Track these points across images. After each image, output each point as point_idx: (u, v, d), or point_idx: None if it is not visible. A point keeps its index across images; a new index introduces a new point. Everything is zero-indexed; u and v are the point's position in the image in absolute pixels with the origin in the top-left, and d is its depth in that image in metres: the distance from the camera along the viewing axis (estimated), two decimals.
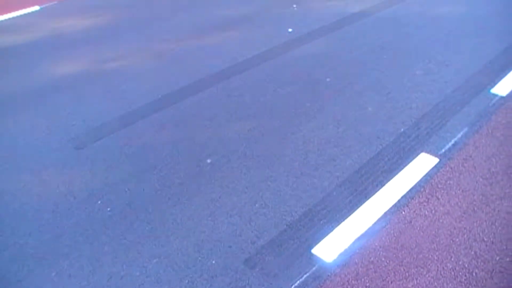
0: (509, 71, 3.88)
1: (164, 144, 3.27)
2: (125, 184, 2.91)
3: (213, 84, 4.02)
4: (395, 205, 2.57)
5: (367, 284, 2.13)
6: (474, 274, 2.14)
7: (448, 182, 2.72)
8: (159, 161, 3.10)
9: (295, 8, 5.60)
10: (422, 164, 2.86)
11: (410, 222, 2.46)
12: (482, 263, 2.19)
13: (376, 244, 2.35)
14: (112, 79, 4.30)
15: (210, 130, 3.39)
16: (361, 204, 2.59)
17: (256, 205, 2.66)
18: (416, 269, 2.18)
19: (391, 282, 2.13)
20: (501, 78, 3.79)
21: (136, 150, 3.24)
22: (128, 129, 3.49)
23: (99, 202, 2.78)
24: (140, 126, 3.52)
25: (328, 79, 3.96)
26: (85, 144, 3.37)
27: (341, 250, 2.32)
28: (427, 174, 2.78)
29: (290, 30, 4.97)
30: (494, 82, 3.73)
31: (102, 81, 4.27)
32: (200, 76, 4.17)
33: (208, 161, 3.06)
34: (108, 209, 2.72)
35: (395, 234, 2.39)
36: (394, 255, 2.27)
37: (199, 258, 2.34)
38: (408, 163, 2.87)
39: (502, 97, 3.52)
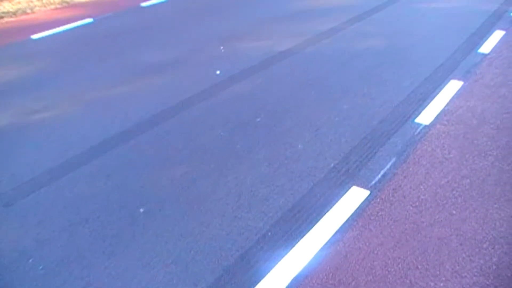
0: (431, 100, 4.15)
1: (96, 196, 3.20)
2: (58, 240, 2.81)
3: (144, 130, 4.00)
4: (329, 241, 2.63)
5: None
6: None
7: (379, 213, 2.83)
8: (91, 213, 3.03)
9: (223, 50, 5.74)
10: (354, 197, 2.96)
11: (346, 256, 2.53)
12: None
13: (314, 281, 2.38)
14: (41, 129, 4.18)
15: (142, 178, 3.36)
16: (297, 243, 2.63)
17: (192, 252, 2.64)
18: None
19: None
20: (424, 107, 4.04)
21: (68, 203, 3.14)
22: (59, 181, 3.39)
23: (30, 260, 2.66)
24: (71, 178, 3.43)
25: (258, 119, 4.05)
26: (14, 200, 3.24)
27: None
28: (359, 207, 2.87)
29: (218, 72, 5.08)
30: (418, 112, 3.97)
31: (31, 133, 4.15)
32: (131, 123, 4.15)
33: (141, 210, 3.02)
34: (40, 267, 2.61)
35: (331, 270, 2.44)
36: None
37: None
38: (340, 197, 2.97)
39: (426, 126, 3.75)
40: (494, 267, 2.40)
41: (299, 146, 3.60)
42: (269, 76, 4.92)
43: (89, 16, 7.73)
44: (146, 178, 3.34)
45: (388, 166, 3.25)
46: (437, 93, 4.27)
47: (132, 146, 3.78)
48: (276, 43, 5.88)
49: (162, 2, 8.40)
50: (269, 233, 2.72)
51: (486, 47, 5.41)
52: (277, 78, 4.87)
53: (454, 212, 2.82)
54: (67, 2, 8.97)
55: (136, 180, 3.34)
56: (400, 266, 2.44)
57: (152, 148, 3.72)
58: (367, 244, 2.60)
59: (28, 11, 8.40)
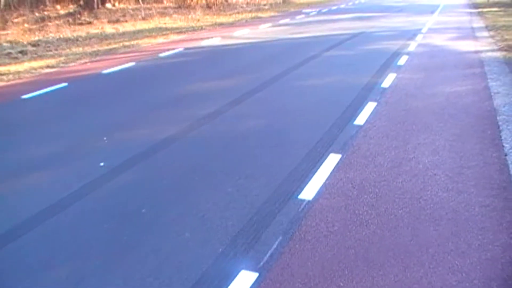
0: (312, 175, 4.48)
1: None
2: None
3: (30, 228, 3.84)
4: None
5: None
6: None
7: None
8: None
9: (106, 141, 5.76)
10: (243, 281, 3.06)
11: None
12: None
13: None
14: None
15: (26, 283, 3.18)
16: None
17: None
18: None
19: None
20: (306, 183, 4.34)
21: None
22: None
23: None
24: None
25: (143, 210, 4.08)
26: None
27: None
28: None
29: (102, 164, 5.08)
30: (300, 188, 4.25)
31: None
32: (16, 223, 3.96)
33: None
34: None
35: None
36: None
37: None
38: (230, 283, 3.05)
39: (309, 201, 4.02)
40: None
41: (186, 234, 3.67)
42: (153, 165, 5.02)
43: None
44: (29, 285, 3.18)
45: (275, 246, 3.42)
46: (318, 168, 4.63)
47: (10, 251, 3.60)
48: (159, 130, 6.03)
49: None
50: None
51: (361, 119, 6.01)
52: (160, 166, 4.97)
53: (341, 284, 3.01)
54: None
55: (19, 284, 3.17)
56: None
57: (36, 248, 3.58)
58: None
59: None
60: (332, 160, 4.82)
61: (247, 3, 30.06)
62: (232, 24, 18.94)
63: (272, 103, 6.97)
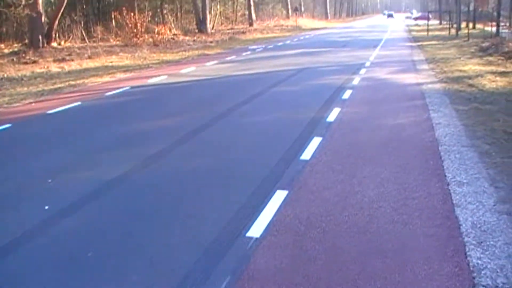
0: (260, 213, 4.52)
1: None
2: None
3: None
4: None
5: None
6: None
7: None
8: None
9: (51, 183, 5.62)
10: None
11: None
12: None
13: None
14: None
15: None
16: None
17: None
18: None
19: None
20: (254, 220, 4.37)
21: None
22: None
23: None
24: None
25: (89, 254, 3.98)
26: None
27: None
28: None
29: (46, 207, 4.95)
30: (248, 226, 4.27)
31: None
32: None
33: None
34: None
35: None
36: None
37: None
38: None
39: (257, 239, 4.05)
40: None
41: (133, 277, 3.60)
42: (99, 207, 4.93)
43: None
44: None
45: (223, 286, 3.40)
46: (265, 205, 4.67)
47: None
48: (105, 171, 5.94)
49: None
50: None
51: (307, 154, 6.14)
52: (107, 208, 4.89)
53: None
54: None
55: None
56: None
57: None
58: None
59: None
60: (279, 196, 4.88)
61: (194, 40, 30.45)
62: (178, 62, 19.09)
63: (219, 141, 7.03)
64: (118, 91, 11.87)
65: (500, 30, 26.08)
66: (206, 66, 16.98)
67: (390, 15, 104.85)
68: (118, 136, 7.60)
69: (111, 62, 19.11)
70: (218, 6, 49.47)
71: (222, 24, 49.43)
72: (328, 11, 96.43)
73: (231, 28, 44.98)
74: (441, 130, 7.22)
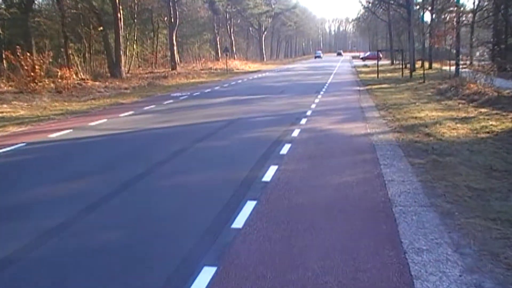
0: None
1: None
2: None
3: None
4: None
5: None
6: None
7: None
8: None
9: None
10: None
11: None
12: None
13: None
14: None
15: None
16: None
17: None
18: None
19: None
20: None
21: None
22: None
23: None
24: None
25: None
26: None
27: None
28: None
29: None
30: None
31: None
32: None
33: None
34: None
35: None
36: None
37: None
38: None
39: None
40: None
41: None
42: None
43: None
44: None
45: None
46: (190, 286, 4.59)
47: None
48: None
49: None
50: None
51: (239, 221, 6.15)
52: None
53: None
54: None
55: None
56: None
57: None
58: None
59: None
60: (206, 274, 4.82)
61: (106, 86, 30.27)
62: (87, 113, 18.87)
63: (134, 209, 6.90)
64: (9, 148, 11.53)
65: (460, 70, 27.37)
66: (120, 117, 16.86)
67: (339, 53, 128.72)
68: (9, 205, 7.32)
69: (1, 112, 18.62)
70: (135, 46, 49.80)
71: (139, 67, 49.76)
72: (264, 51, 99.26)
73: (151, 72, 45.28)
74: (394, 188, 7.41)
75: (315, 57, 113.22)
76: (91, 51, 42.63)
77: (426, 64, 40.04)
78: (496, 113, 14.49)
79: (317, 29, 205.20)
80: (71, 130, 14.09)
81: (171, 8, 49.73)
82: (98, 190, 7.81)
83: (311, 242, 5.56)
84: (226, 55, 55.70)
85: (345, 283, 4.64)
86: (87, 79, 33.00)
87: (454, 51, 29.58)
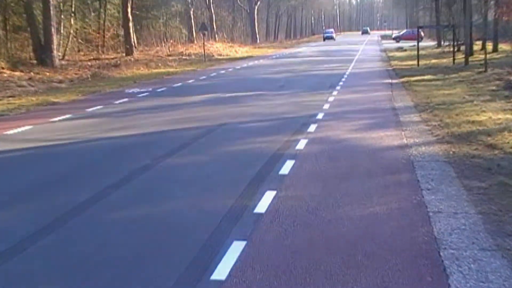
0: None
1: None
2: None
3: None
4: None
5: None
6: None
7: None
8: None
9: None
10: None
11: None
12: None
13: None
14: None
15: None
16: None
17: None
18: None
19: None
20: None
21: None
22: None
23: None
24: None
25: None
26: None
27: None
28: None
29: None
30: None
31: None
32: None
33: None
34: None
35: None
36: None
37: None
38: None
39: None
40: None
41: None
42: None
43: None
44: None
45: None
46: None
47: None
48: None
49: None
50: None
51: (222, 272, 6.03)
52: None
53: None
54: None
55: None
56: None
57: None
58: None
59: None
60: None
61: (30, 79, 30.05)
62: (3, 117, 18.71)
63: (72, 255, 6.74)
64: None
65: None
66: (52, 123, 16.78)
67: (365, 32, 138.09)
68: None
69: None
70: (73, 21, 49.08)
71: (79, 51, 49.31)
72: (257, 30, 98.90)
73: (96, 59, 45.14)
74: (443, 223, 7.30)
75: (324, 39, 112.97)
76: (7, 27, 42.18)
77: (489, 46, 39.14)
78: None
79: None
80: None
81: None
82: (21, 227, 7.68)
83: None
84: (204, 34, 54.04)
85: None
86: (2, 68, 32.73)
87: None
